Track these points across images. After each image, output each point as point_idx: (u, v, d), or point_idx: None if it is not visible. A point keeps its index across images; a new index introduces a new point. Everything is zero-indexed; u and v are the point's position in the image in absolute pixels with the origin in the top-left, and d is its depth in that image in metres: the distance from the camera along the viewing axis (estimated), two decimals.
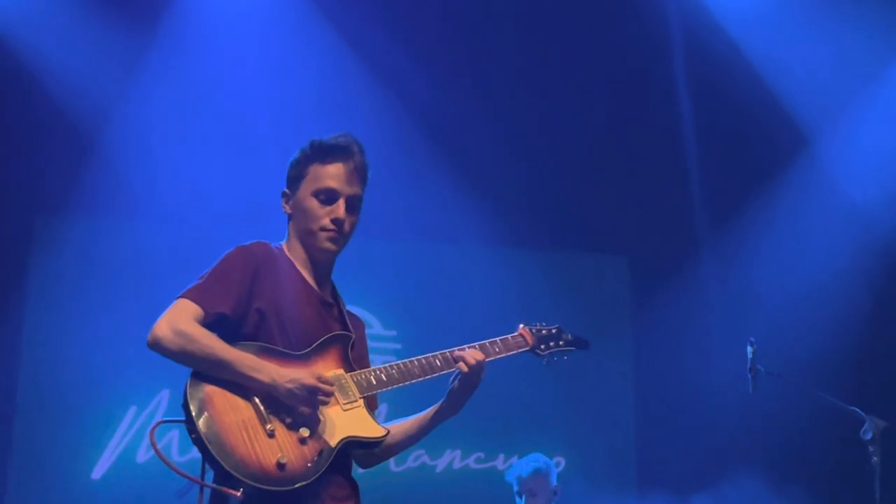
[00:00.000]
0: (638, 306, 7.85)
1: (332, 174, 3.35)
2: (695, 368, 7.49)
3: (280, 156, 3.57)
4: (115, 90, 6.80)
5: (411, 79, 7.20)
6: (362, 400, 3.30)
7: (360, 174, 3.40)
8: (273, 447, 3.08)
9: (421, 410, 3.50)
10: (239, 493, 3.02)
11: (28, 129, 6.79)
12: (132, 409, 6.85)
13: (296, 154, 3.42)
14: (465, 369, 3.39)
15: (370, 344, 3.60)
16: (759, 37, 7.38)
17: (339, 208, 3.35)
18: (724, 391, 7.05)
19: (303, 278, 3.37)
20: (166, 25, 6.87)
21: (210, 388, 3.11)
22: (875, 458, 4.98)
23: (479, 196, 7.40)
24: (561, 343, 3.73)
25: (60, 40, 6.67)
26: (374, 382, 3.33)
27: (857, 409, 5.14)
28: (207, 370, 3.12)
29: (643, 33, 7.45)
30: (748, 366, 5.30)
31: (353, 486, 3.31)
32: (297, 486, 3.06)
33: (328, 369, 3.27)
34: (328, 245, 3.37)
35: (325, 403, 3.18)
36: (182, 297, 3.20)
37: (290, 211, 3.42)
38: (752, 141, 7.69)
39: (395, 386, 3.36)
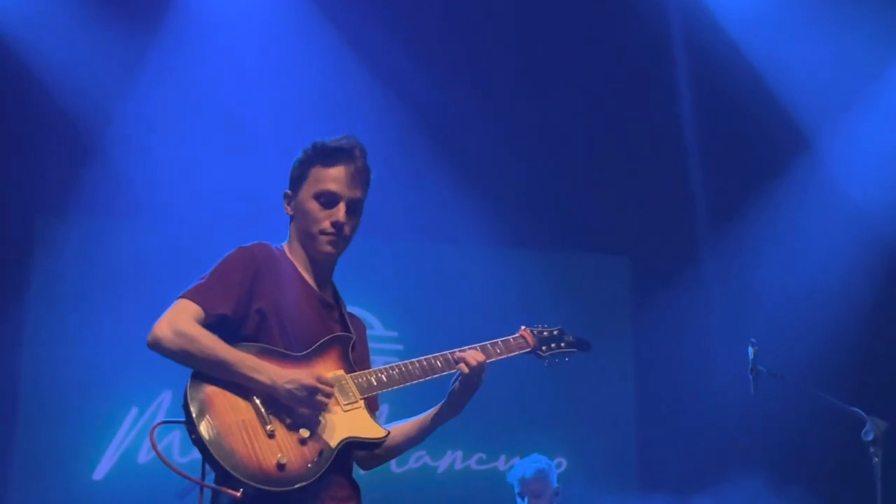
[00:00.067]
0: (639, 307, 7.85)
1: (334, 177, 3.34)
2: (696, 369, 7.48)
3: (280, 156, 3.56)
4: (115, 90, 6.80)
5: (411, 79, 7.19)
6: (363, 401, 3.29)
7: (361, 177, 3.38)
8: (273, 448, 3.07)
9: (422, 412, 3.49)
10: (239, 494, 3.01)
11: (28, 129, 6.78)
12: (133, 410, 6.85)
13: (298, 155, 3.40)
14: (466, 370, 3.38)
15: (371, 345, 3.60)
16: (759, 37, 7.37)
17: (340, 211, 3.33)
18: (725, 392, 7.04)
19: (303, 279, 3.37)
20: (166, 25, 6.87)
21: (210, 389, 3.10)
22: (876, 460, 4.97)
23: (479, 196, 7.39)
24: (562, 345, 3.72)
25: (60, 40, 6.66)
26: (375, 383, 3.32)
27: (859, 410, 5.13)
28: (207, 371, 3.12)
29: (643, 33, 7.44)
30: (750, 366, 5.29)
31: (354, 486, 3.31)
32: (297, 486, 3.06)
33: (328, 370, 3.26)
34: (327, 248, 3.36)
35: (325, 404, 3.17)
36: (182, 297, 3.19)
37: (291, 212, 3.41)
38: (752, 141, 7.68)
39: (395, 387, 3.35)
